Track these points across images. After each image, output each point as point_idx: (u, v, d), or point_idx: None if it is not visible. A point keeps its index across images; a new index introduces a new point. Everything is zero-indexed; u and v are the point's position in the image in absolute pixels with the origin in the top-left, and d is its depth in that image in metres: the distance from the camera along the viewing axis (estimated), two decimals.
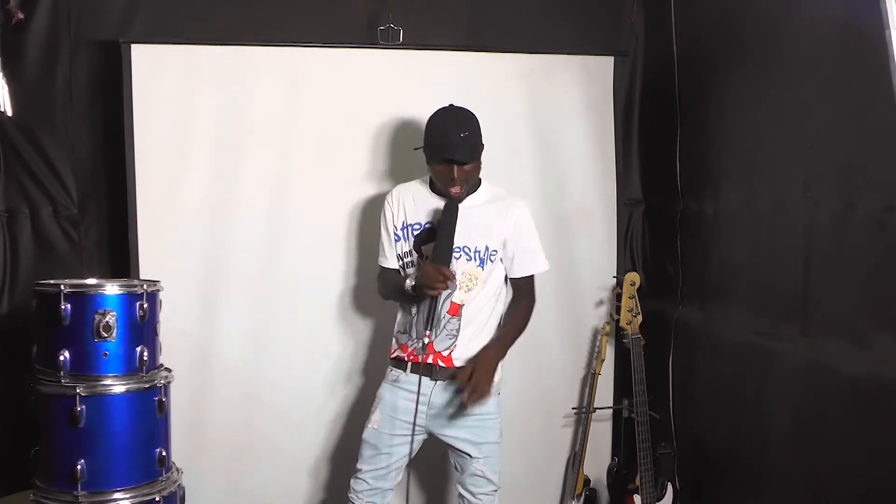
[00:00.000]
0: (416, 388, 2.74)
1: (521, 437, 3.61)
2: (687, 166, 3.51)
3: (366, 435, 2.87)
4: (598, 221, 3.71)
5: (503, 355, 2.84)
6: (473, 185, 2.85)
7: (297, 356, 3.46)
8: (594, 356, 3.66)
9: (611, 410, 3.73)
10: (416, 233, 2.87)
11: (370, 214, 3.42)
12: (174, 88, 3.34)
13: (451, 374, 2.79)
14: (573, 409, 3.69)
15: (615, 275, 3.67)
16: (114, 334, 2.70)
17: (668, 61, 3.56)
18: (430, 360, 2.80)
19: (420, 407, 2.77)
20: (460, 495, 2.90)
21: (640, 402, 3.40)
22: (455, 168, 2.72)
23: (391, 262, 2.93)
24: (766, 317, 2.95)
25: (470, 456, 2.83)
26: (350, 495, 2.88)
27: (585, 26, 3.77)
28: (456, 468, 2.92)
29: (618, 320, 3.49)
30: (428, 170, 2.85)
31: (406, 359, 2.84)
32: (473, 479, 2.84)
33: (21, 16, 3.13)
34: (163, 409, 2.81)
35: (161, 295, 2.91)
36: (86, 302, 2.69)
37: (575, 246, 3.67)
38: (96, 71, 3.42)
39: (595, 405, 3.62)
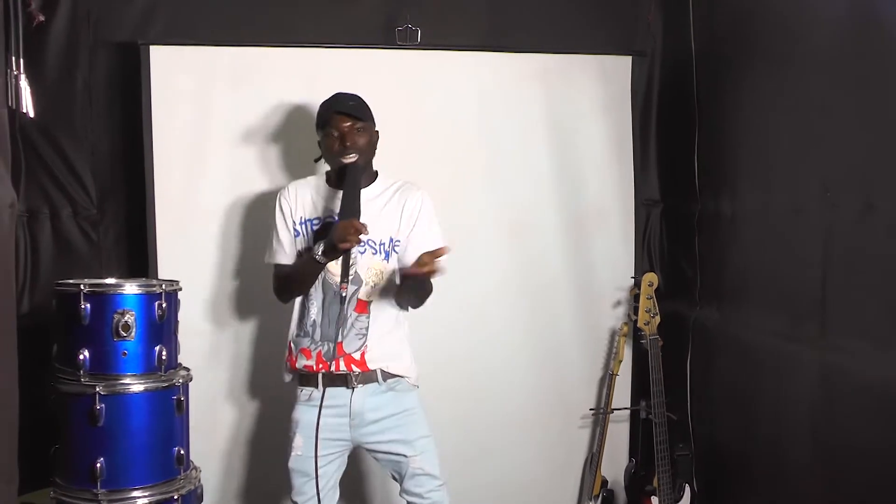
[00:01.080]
0: (335, 402, 2.68)
1: (539, 439, 3.62)
2: (705, 166, 3.50)
3: (292, 463, 2.77)
4: (615, 222, 3.71)
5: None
6: (370, 175, 2.82)
7: None
8: (612, 357, 3.67)
9: (628, 412, 3.73)
10: (315, 228, 2.80)
11: None
12: (192, 89, 3.37)
13: (366, 379, 2.71)
14: (591, 410, 3.70)
15: (633, 275, 3.67)
16: (133, 334, 2.71)
17: (686, 61, 3.55)
18: (342, 366, 2.71)
19: (340, 420, 2.71)
20: (408, 503, 2.80)
21: (657, 403, 3.40)
22: (345, 129, 2.71)
23: (287, 258, 2.82)
24: (785, 318, 2.94)
25: (405, 456, 2.74)
26: None
27: (603, 26, 3.77)
28: (394, 478, 2.83)
29: (635, 321, 3.49)
30: (325, 157, 2.82)
31: (314, 369, 2.73)
32: (415, 479, 2.75)
33: (42, 18, 3.16)
34: (181, 408, 2.82)
35: (180, 294, 2.93)
36: (105, 301, 2.71)
37: (592, 246, 3.67)
38: (115, 72, 3.45)
39: (613, 406, 3.62)
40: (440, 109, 3.48)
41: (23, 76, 2.94)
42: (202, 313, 3.32)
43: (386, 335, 2.76)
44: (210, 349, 3.38)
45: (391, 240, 2.77)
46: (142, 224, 3.35)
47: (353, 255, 2.63)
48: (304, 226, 2.82)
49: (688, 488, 3.43)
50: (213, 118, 3.39)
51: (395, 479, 2.84)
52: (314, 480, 2.69)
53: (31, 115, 3.02)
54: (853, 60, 2.59)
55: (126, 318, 2.70)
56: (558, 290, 3.65)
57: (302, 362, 2.78)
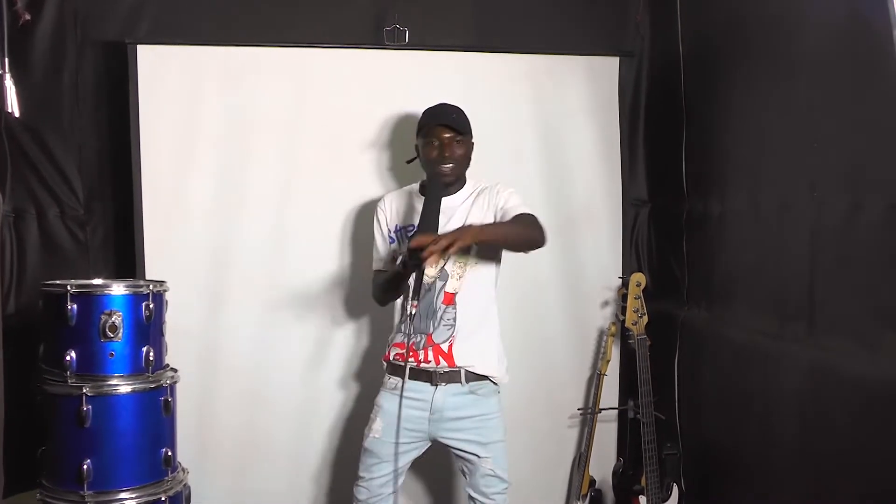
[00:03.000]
0: (416, 396, 2.75)
1: (527, 438, 3.61)
2: (693, 166, 3.51)
3: (367, 444, 2.84)
4: (603, 222, 3.71)
5: (486, 232, 2.66)
6: (460, 182, 2.89)
7: (302, 357, 3.47)
8: (600, 357, 3.67)
9: (616, 411, 3.74)
10: (409, 234, 2.85)
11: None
12: (180, 89, 3.35)
13: (450, 378, 2.77)
14: (579, 409, 3.70)
15: (621, 275, 3.67)
16: (120, 334, 2.70)
17: (674, 61, 3.55)
18: (430, 359, 2.77)
19: (422, 413, 2.77)
20: (471, 498, 2.86)
21: (645, 402, 3.40)
22: (445, 140, 2.78)
23: (385, 265, 2.94)
24: (772, 317, 2.95)
25: (478, 456, 2.81)
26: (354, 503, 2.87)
27: (591, 27, 3.77)
28: (463, 473, 2.89)
29: (623, 321, 3.49)
30: (421, 161, 2.88)
31: (403, 360, 2.77)
32: (486, 479, 2.82)
33: (28, 17, 3.14)
34: (168, 410, 2.82)
35: (167, 295, 2.92)
36: (92, 302, 2.70)
37: (580, 246, 3.67)
38: (102, 71, 3.43)
39: (600, 406, 3.62)
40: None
41: (8, 75, 2.92)
42: (190, 314, 3.30)
43: (474, 330, 2.81)
44: (198, 350, 3.36)
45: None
46: (129, 224, 3.33)
47: (427, 275, 2.71)
48: (398, 233, 2.92)
49: (676, 488, 3.43)
50: (201, 118, 3.37)
51: (462, 473, 2.89)
52: (384, 463, 2.80)
53: (17, 114, 3.00)
54: (841, 61, 2.60)
55: (113, 319, 2.69)
56: (546, 289, 3.65)
57: (394, 352, 2.85)
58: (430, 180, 2.80)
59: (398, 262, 2.72)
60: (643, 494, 3.41)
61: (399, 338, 2.85)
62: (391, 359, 2.87)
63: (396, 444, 2.74)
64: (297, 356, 3.46)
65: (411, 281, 2.67)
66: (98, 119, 3.45)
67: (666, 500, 3.42)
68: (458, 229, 2.57)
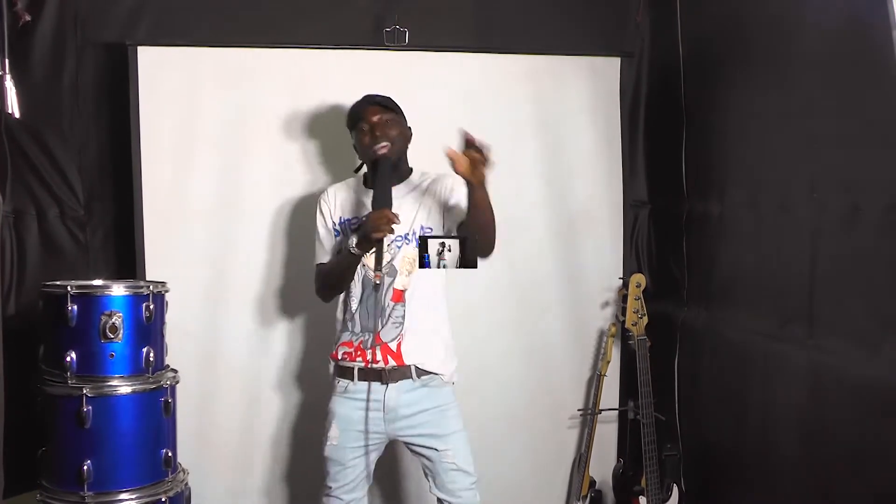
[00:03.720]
0: (367, 396, 2.72)
1: (527, 439, 3.62)
2: (693, 167, 3.51)
3: (327, 452, 2.81)
4: (603, 223, 3.71)
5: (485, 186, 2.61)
6: (405, 170, 2.87)
7: (302, 357, 3.47)
8: (600, 358, 3.67)
9: (616, 412, 3.74)
10: (353, 227, 2.83)
11: None
12: (180, 90, 3.35)
13: (400, 375, 2.73)
14: (579, 410, 3.70)
15: (621, 276, 3.68)
16: (120, 335, 2.71)
17: (674, 62, 3.56)
18: (378, 360, 2.72)
19: (375, 414, 2.73)
20: (440, 500, 2.80)
21: (645, 403, 3.41)
22: (375, 121, 2.76)
23: (328, 257, 2.89)
24: (772, 319, 2.95)
25: (437, 450, 2.76)
26: None
27: (591, 27, 3.77)
28: (426, 474, 2.83)
29: (623, 322, 3.50)
30: (358, 152, 2.87)
31: (351, 360, 2.76)
32: (449, 474, 2.75)
33: (28, 18, 3.14)
34: (169, 410, 2.82)
35: (167, 296, 2.92)
36: (92, 303, 2.70)
37: (581, 247, 3.67)
38: (102, 73, 3.43)
39: (601, 407, 3.63)
40: (428, 110, 3.45)
41: (8, 76, 2.92)
42: (190, 315, 3.30)
43: (421, 327, 2.77)
44: (198, 351, 3.36)
45: (422, 227, 2.79)
46: (129, 225, 3.34)
47: (385, 245, 2.65)
48: (343, 225, 2.87)
49: (676, 488, 3.43)
50: (200, 118, 3.38)
51: (426, 475, 2.84)
52: (348, 469, 2.78)
53: (17, 115, 3.00)
54: (840, 63, 2.60)
55: (113, 320, 2.69)
56: (547, 290, 3.65)
57: (341, 352, 2.81)
58: (379, 160, 2.74)
59: (348, 243, 2.67)
60: (643, 495, 3.42)
61: (346, 336, 2.80)
62: (339, 358, 2.82)
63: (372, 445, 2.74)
64: (296, 356, 3.47)
65: (369, 260, 2.67)
66: (98, 120, 3.45)
67: (666, 500, 3.42)
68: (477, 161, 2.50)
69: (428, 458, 2.79)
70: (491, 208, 2.63)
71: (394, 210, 2.62)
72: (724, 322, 3.28)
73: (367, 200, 2.74)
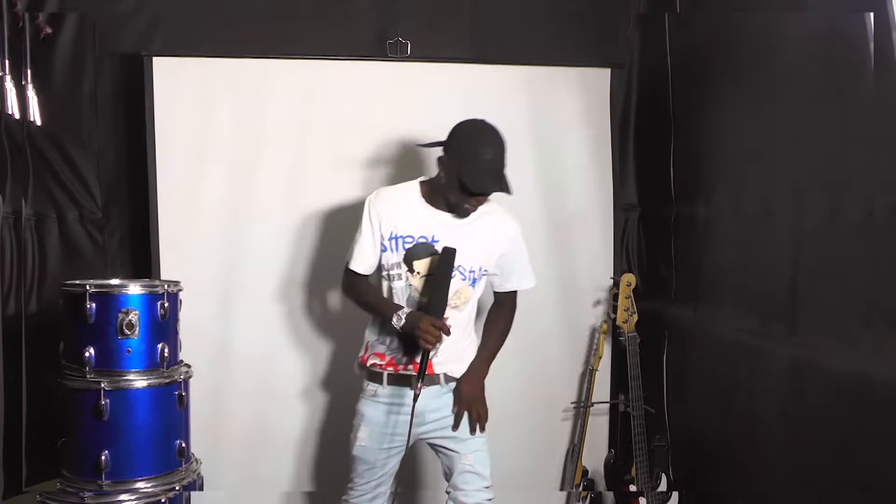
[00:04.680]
0: (395, 401, 2.70)
1: (523, 430, 3.61)
2: (680, 173, 3.51)
3: (356, 451, 2.76)
4: (595, 225, 3.71)
5: (487, 371, 2.80)
6: None
7: (311, 353, 3.47)
8: (592, 353, 3.67)
9: (608, 405, 3.73)
10: (407, 246, 2.67)
11: None
12: (193, 99, 3.36)
13: (429, 381, 2.67)
14: (572, 403, 3.70)
15: (612, 276, 3.68)
16: (136, 332, 2.70)
17: (663, 73, 3.56)
18: (409, 368, 2.68)
19: (403, 417, 2.68)
20: (452, 497, 2.73)
21: (635, 397, 3.41)
22: (484, 198, 2.64)
23: (366, 268, 2.73)
24: (756, 316, 2.95)
25: (457, 452, 2.73)
26: None
27: (584, 40, 3.77)
28: (445, 474, 2.80)
29: (615, 319, 3.50)
30: (441, 171, 2.64)
31: (382, 368, 2.72)
32: (464, 476, 2.71)
33: (49, 30, 3.14)
34: (182, 403, 2.82)
35: (181, 294, 2.92)
36: (110, 301, 2.70)
37: (574, 249, 3.67)
38: (120, 82, 3.43)
39: (593, 400, 3.62)
40: (429, 118, 3.46)
41: (30, 85, 2.92)
42: (203, 313, 3.30)
43: (454, 343, 2.71)
44: (211, 346, 3.36)
45: (480, 269, 2.72)
46: (145, 227, 3.34)
47: (430, 355, 2.62)
48: (394, 241, 2.68)
49: (664, 477, 3.43)
50: (213, 126, 3.38)
51: (445, 476, 2.80)
52: (376, 468, 2.76)
53: (38, 123, 3.00)
54: (821, 73, 2.60)
55: (130, 317, 2.69)
56: (542, 289, 3.61)
57: (372, 360, 2.75)
58: (445, 252, 2.57)
59: (396, 322, 2.59)
60: (633, 484, 3.42)
61: (380, 348, 2.74)
62: (368, 365, 2.76)
63: (408, 444, 2.68)
64: (305, 351, 3.47)
65: (408, 287, 2.67)
66: (115, 127, 3.45)
67: (655, 489, 3.42)
68: (478, 402, 2.72)
69: (447, 458, 2.78)
70: (499, 348, 2.86)
71: (458, 242, 2.57)
72: (710, 319, 3.28)
73: (426, 221, 2.64)
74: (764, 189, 2.93)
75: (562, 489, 3.71)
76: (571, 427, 3.73)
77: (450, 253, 2.57)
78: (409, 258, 2.68)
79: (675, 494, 3.41)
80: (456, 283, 2.66)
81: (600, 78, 3.70)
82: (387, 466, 2.78)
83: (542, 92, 3.62)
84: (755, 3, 2.96)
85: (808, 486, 2.65)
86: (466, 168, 2.55)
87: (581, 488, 3.62)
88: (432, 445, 2.82)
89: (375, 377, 2.75)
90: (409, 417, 2.61)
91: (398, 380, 2.71)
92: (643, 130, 3.81)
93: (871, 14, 2.30)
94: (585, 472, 3.65)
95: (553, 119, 3.63)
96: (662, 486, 3.42)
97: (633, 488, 3.43)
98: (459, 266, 2.64)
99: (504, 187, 2.58)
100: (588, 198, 3.70)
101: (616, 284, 3.54)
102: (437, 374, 2.72)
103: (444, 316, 2.60)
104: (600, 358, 3.63)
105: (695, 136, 3.40)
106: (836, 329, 2.53)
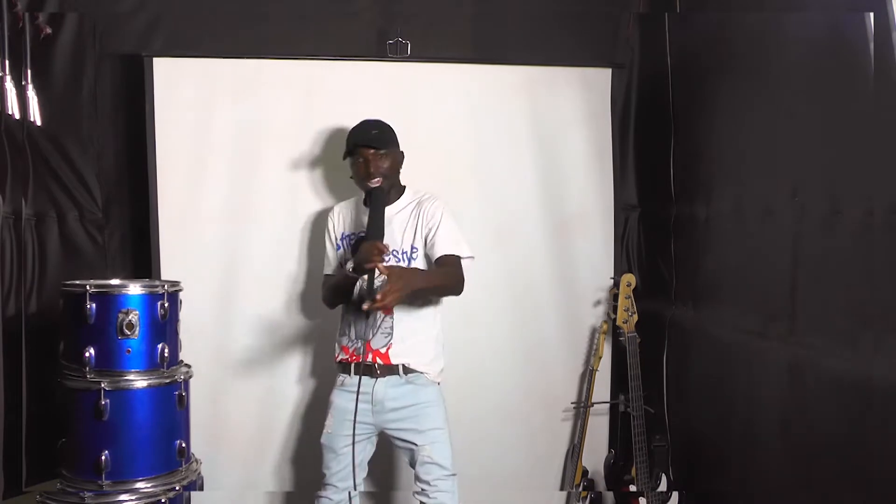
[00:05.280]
0: (360, 389, 2.76)
1: (523, 430, 3.62)
2: (680, 173, 3.51)
3: (322, 440, 2.91)
4: (595, 225, 3.71)
5: (421, 280, 2.76)
6: (398, 190, 2.97)
7: (311, 353, 3.48)
8: (592, 353, 3.66)
9: (608, 405, 3.73)
10: (352, 242, 2.98)
11: None
12: (193, 99, 3.36)
13: (388, 371, 2.83)
14: (572, 403, 3.70)
15: (612, 276, 3.68)
16: (136, 332, 2.70)
17: (663, 73, 3.56)
18: (369, 359, 2.83)
19: (364, 406, 2.80)
20: (415, 492, 2.85)
21: (635, 397, 3.41)
22: (369, 157, 2.86)
23: (332, 269, 3.05)
24: (755, 316, 2.95)
25: (416, 444, 2.82)
26: (319, 501, 2.91)
27: (584, 40, 3.77)
28: (410, 465, 2.88)
29: (615, 319, 3.50)
30: (354, 179, 2.96)
31: (348, 360, 2.89)
32: (424, 467, 2.81)
33: (49, 30, 3.14)
34: (183, 403, 2.82)
35: (181, 295, 2.92)
36: (110, 301, 2.70)
37: (574, 249, 3.67)
38: (120, 83, 3.44)
39: (593, 400, 3.62)
40: (430, 119, 3.47)
41: (31, 86, 2.92)
42: (203, 313, 3.30)
43: (410, 335, 2.87)
44: (211, 347, 3.37)
45: (411, 247, 2.90)
46: (145, 227, 3.34)
47: (376, 273, 2.64)
48: (344, 241, 3.03)
49: (664, 477, 3.43)
50: (213, 127, 3.38)
51: (410, 465, 2.89)
52: (340, 456, 2.86)
53: (38, 123, 3.00)
54: (820, 74, 2.60)
55: (130, 318, 2.69)
56: (542, 290, 3.65)
57: (340, 356, 2.93)
58: (374, 191, 2.85)
59: (346, 267, 2.80)
60: (633, 484, 3.42)
61: (344, 340, 2.92)
62: (338, 360, 2.94)
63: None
64: (304, 351, 3.47)
65: (362, 281, 2.75)
66: (115, 128, 3.46)
67: (655, 489, 3.42)
68: (396, 278, 2.56)
69: (408, 452, 2.87)
70: (437, 285, 2.84)
71: (386, 228, 2.77)
72: (710, 320, 3.28)
73: (365, 219, 2.83)
74: (764, 189, 2.92)
75: (562, 489, 3.71)
76: (571, 427, 3.73)
77: (378, 191, 2.84)
78: (355, 251, 2.88)
79: (675, 494, 3.41)
80: (391, 265, 2.77)
81: (600, 78, 3.70)
82: (349, 456, 2.81)
83: (543, 92, 3.62)
84: (755, 3, 2.96)
85: (807, 485, 2.65)
86: (346, 147, 2.95)
87: (581, 488, 3.62)
88: (394, 441, 2.90)
89: (345, 368, 2.93)
90: (370, 405, 2.81)
91: (362, 369, 2.81)
92: (643, 130, 3.81)
93: (871, 14, 2.29)
94: (585, 472, 3.65)
95: (553, 119, 3.63)
96: (662, 486, 3.42)
97: (633, 488, 3.43)
98: (393, 250, 2.88)
99: (367, 137, 2.89)
100: (588, 198, 3.70)
101: (616, 284, 3.54)
102: (396, 365, 2.84)
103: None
104: (600, 358, 3.63)
105: (695, 136, 3.40)
106: (836, 329, 2.52)
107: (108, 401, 2.64)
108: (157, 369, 2.75)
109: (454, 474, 2.84)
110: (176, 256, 3.33)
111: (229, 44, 3.45)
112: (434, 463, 2.81)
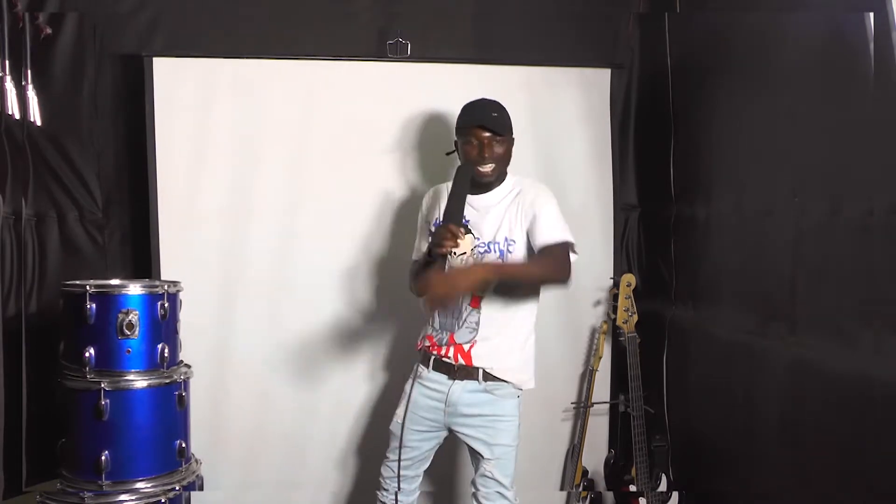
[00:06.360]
0: (435, 386, 2.72)
1: (523, 430, 3.57)
2: (680, 173, 3.51)
3: (391, 427, 2.83)
4: (595, 226, 3.71)
5: (496, 272, 2.64)
6: (500, 178, 2.77)
7: (309, 354, 3.47)
8: (592, 354, 3.66)
9: (608, 405, 3.73)
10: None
11: (380, 219, 3.44)
12: (194, 99, 3.36)
13: (467, 374, 2.71)
14: (572, 403, 3.70)
15: (612, 276, 3.68)
16: (136, 332, 2.71)
17: (662, 73, 3.56)
18: (450, 355, 2.71)
19: (438, 404, 2.74)
20: (473, 494, 2.79)
21: (635, 397, 3.40)
22: (485, 140, 2.66)
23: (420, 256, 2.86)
24: (755, 316, 2.95)
25: (482, 456, 2.74)
26: (380, 479, 2.87)
27: (584, 40, 3.77)
28: (473, 466, 2.84)
29: (615, 319, 3.50)
30: (459, 157, 2.76)
31: (430, 351, 2.77)
32: (483, 479, 2.74)
33: (49, 31, 3.14)
34: (182, 403, 2.82)
35: (181, 295, 2.92)
36: (110, 301, 2.70)
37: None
38: (120, 83, 3.44)
39: (593, 400, 3.62)
40: (430, 119, 3.47)
41: (31, 86, 2.92)
42: (203, 313, 3.30)
43: (495, 335, 2.72)
44: (211, 347, 3.36)
45: (505, 239, 2.72)
46: (145, 227, 3.34)
47: (448, 259, 2.58)
48: (436, 226, 2.79)
49: (664, 477, 3.43)
50: (213, 126, 3.38)
51: (473, 465, 2.83)
52: (406, 448, 2.78)
53: (38, 123, 3.00)
54: (820, 74, 2.60)
55: (130, 318, 2.69)
56: (542, 290, 3.64)
57: (424, 343, 2.82)
58: (460, 169, 2.66)
59: (424, 249, 2.72)
60: (633, 484, 3.42)
61: (429, 330, 2.81)
62: (420, 349, 2.84)
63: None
64: (304, 352, 3.46)
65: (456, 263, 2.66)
66: (116, 127, 3.45)
67: (655, 489, 3.42)
68: (471, 269, 2.57)
69: (473, 457, 2.80)
70: (532, 275, 2.69)
71: (483, 218, 2.67)
72: (710, 320, 3.28)
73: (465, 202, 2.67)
74: (764, 189, 2.92)
75: (562, 489, 3.71)
76: (571, 427, 3.73)
77: (463, 167, 2.67)
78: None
79: (675, 495, 3.41)
80: (486, 257, 2.72)
81: (600, 78, 3.69)
82: (415, 450, 2.80)
83: (542, 92, 3.61)
84: (755, 3, 2.96)
85: (808, 486, 2.65)
86: (461, 122, 2.74)
87: (581, 488, 3.62)
88: (463, 440, 2.82)
89: (425, 360, 2.80)
90: (444, 405, 2.72)
91: (440, 366, 2.75)
92: (643, 130, 3.81)
93: (871, 14, 2.29)
94: (585, 472, 3.65)
95: (553, 119, 3.63)
96: (662, 487, 3.42)
97: (633, 488, 3.43)
98: (488, 242, 2.72)
99: (489, 118, 2.67)
100: (588, 198, 3.69)
101: (616, 285, 3.54)
102: (476, 368, 2.72)
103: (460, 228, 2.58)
104: (600, 358, 3.63)
105: (694, 136, 3.40)
106: (836, 329, 2.52)
107: (107, 401, 2.64)
108: (157, 369, 2.75)
109: (511, 490, 2.75)
110: (176, 256, 3.33)
111: (229, 44, 3.45)
112: (494, 479, 2.73)
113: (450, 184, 2.72)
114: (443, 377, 2.74)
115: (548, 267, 2.66)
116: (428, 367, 2.78)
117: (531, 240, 2.70)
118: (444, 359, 2.74)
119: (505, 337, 2.74)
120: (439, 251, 2.52)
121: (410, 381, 2.83)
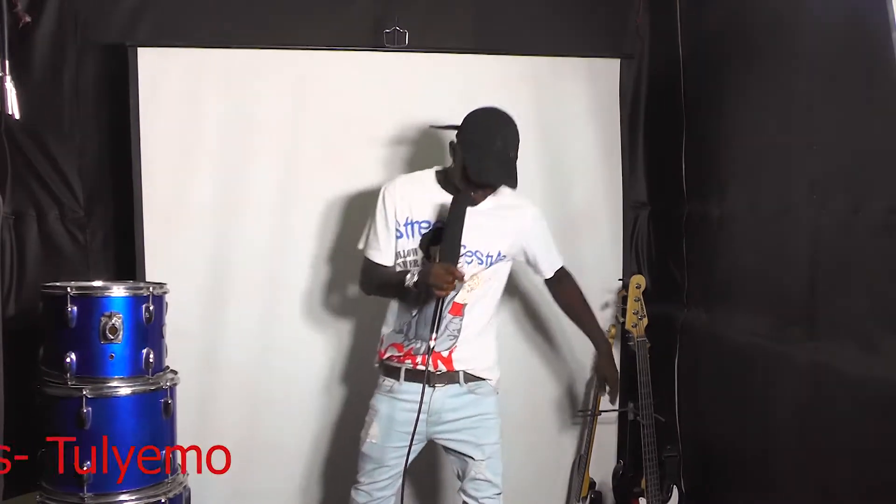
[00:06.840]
0: (413, 398, 2.67)
1: (528, 440, 3.61)
2: (692, 169, 3.50)
3: (365, 449, 2.80)
4: (603, 224, 3.70)
5: (612, 358, 3.19)
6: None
7: (301, 358, 3.47)
8: None
9: (616, 413, 3.73)
10: (423, 231, 2.75)
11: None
12: (180, 91, 3.35)
13: (448, 379, 2.75)
14: (579, 411, 3.69)
15: (621, 277, 3.67)
16: (120, 336, 2.70)
17: (674, 63, 3.55)
18: (426, 363, 2.66)
19: (419, 415, 2.70)
20: (464, 502, 2.82)
21: (645, 404, 3.40)
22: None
23: (385, 258, 2.79)
24: (772, 320, 2.95)
25: (472, 458, 2.77)
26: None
27: (592, 29, 3.77)
28: (458, 475, 2.85)
29: (623, 323, 3.49)
30: (456, 167, 2.70)
31: (399, 361, 2.76)
32: (475, 483, 2.76)
33: (28, 19, 3.13)
34: (168, 411, 2.82)
35: (167, 297, 2.91)
36: (92, 304, 2.69)
37: (581, 248, 3.66)
38: (103, 74, 3.42)
39: (601, 408, 3.62)
40: (428, 111, 3.46)
41: (9, 77, 2.91)
42: (190, 316, 3.29)
43: (475, 337, 2.78)
44: (198, 352, 3.35)
45: (499, 253, 2.78)
46: (129, 226, 3.33)
47: (445, 302, 2.62)
48: (409, 227, 2.75)
49: (675, 490, 3.43)
50: (201, 120, 3.37)
51: (458, 476, 2.85)
52: (385, 468, 2.78)
53: (17, 116, 2.98)
54: (840, 64, 2.60)
55: (113, 321, 2.69)
56: (547, 292, 3.63)
57: (389, 353, 2.80)
58: (456, 201, 2.61)
59: (409, 280, 2.63)
60: (643, 496, 3.41)
61: (398, 338, 2.78)
62: (385, 358, 2.81)
63: (409, 447, 2.66)
64: (295, 356, 3.46)
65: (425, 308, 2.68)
66: (98, 121, 3.44)
67: (666, 501, 3.41)
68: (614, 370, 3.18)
69: (461, 463, 2.81)
70: (587, 303, 3.20)
71: (475, 230, 2.64)
72: (725, 324, 3.27)
73: (441, 201, 2.68)
74: (781, 185, 2.92)
75: (568, 502, 3.70)
76: (578, 436, 3.73)
77: (461, 199, 2.61)
78: (426, 244, 2.74)
79: (674, 495, 3.41)
80: (473, 267, 2.73)
81: (609, 69, 3.69)
82: (396, 468, 2.79)
83: (548, 84, 3.61)
84: None
85: (827, 498, 2.64)
86: (473, 156, 2.63)
87: (588, 501, 3.62)
88: (445, 447, 2.84)
89: (392, 372, 2.78)
90: (425, 415, 2.69)
91: (415, 376, 2.73)
92: (654, 124, 3.81)
93: (895, 1, 2.29)
94: (593, 483, 3.65)
95: (559, 113, 3.62)
96: (674, 499, 3.42)
97: (642, 501, 3.42)
98: (476, 251, 2.73)
99: (508, 179, 2.65)
100: (596, 195, 3.69)
101: (625, 286, 3.53)
102: (457, 372, 2.76)
103: (459, 265, 2.59)
104: None
105: (708, 129, 3.39)
106: (858, 333, 2.52)
107: (90, 409, 2.63)
108: (142, 375, 2.75)
109: (501, 493, 2.80)
110: (161, 256, 3.31)
111: (218, 33, 3.44)
112: (487, 480, 2.76)
113: (414, 177, 2.83)
114: (419, 387, 2.66)
115: (582, 298, 3.17)
116: (398, 380, 2.76)
117: (532, 257, 2.93)
118: (419, 367, 2.72)
119: (482, 339, 2.82)
120: (438, 294, 2.53)
121: (379, 396, 2.82)
